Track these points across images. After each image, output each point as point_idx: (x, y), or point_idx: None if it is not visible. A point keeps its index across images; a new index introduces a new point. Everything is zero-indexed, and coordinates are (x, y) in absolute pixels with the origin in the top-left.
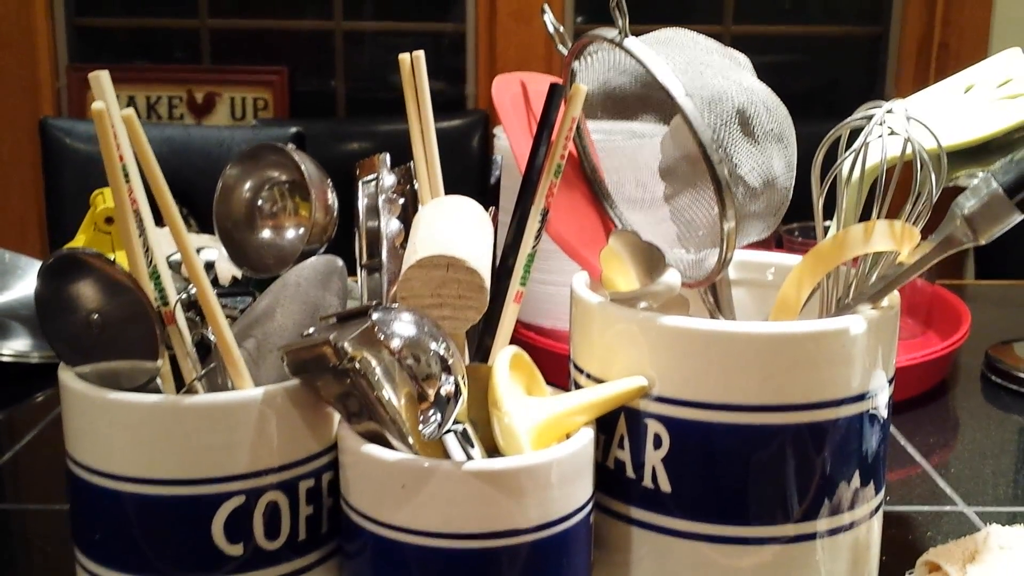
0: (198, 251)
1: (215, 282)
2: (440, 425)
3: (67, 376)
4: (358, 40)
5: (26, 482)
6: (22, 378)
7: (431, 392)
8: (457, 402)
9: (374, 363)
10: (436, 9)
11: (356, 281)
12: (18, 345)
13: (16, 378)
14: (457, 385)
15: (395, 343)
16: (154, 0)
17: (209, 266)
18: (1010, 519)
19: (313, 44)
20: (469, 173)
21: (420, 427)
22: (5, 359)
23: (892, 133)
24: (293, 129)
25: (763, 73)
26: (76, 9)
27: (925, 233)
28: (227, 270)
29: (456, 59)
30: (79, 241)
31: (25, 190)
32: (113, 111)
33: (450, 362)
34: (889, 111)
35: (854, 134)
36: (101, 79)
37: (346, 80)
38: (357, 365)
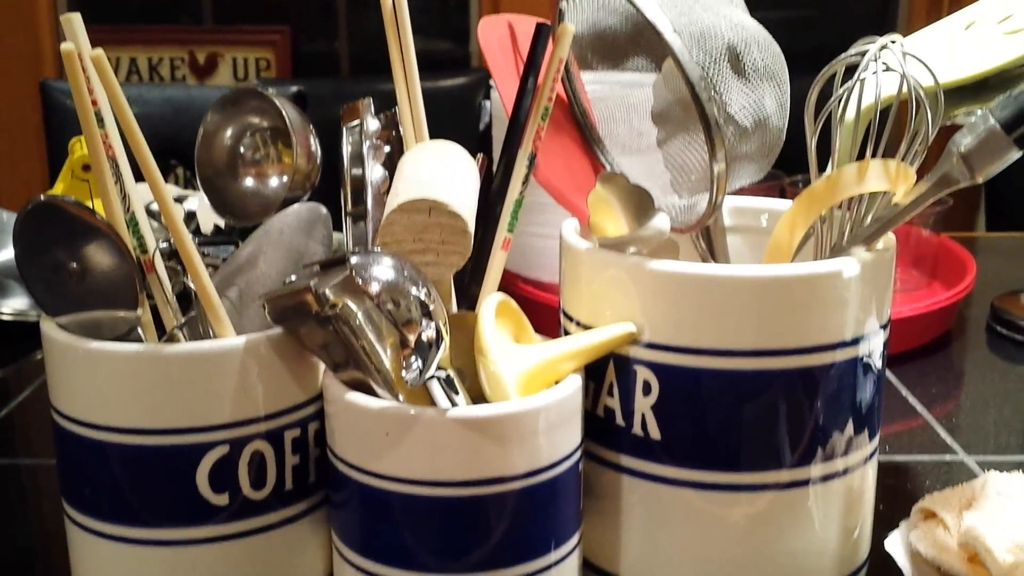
0: (180, 200)
1: (197, 231)
2: (422, 371)
3: (48, 327)
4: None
5: (22, 438)
6: (22, 336)
7: (412, 338)
8: (439, 348)
9: (356, 310)
10: None
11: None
12: (17, 304)
13: (16, 336)
14: (438, 330)
15: (373, 287)
16: None
17: (191, 215)
18: (1012, 468)
19: (316, 3)
20: (475, 131)
21: (402, 373)
22: (5, 317)
23: (888, 69)
24: (294, 88)
25: (773, 29)
26: None
27: (922, 173)
28: (209, 218)
29: (462, 19)
30: (57, 189)
31: (29, 152)
32: (84, 53)
33: (431, 307)
34: (884, 47)
35: (849, 73)
36: (72, 21)
37: (349, 40)
38: (339, 312)
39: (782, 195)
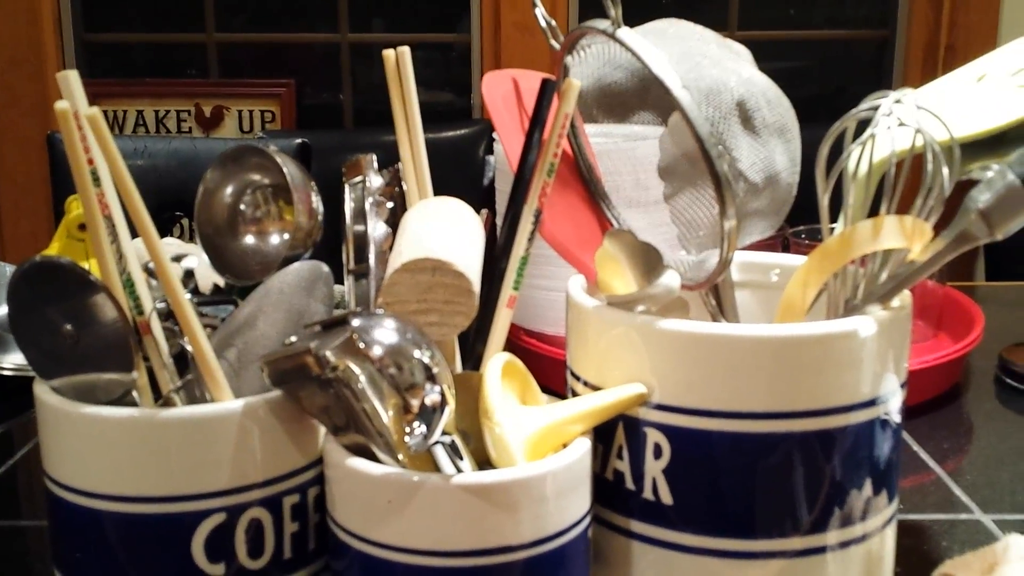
0: (178, 259)
1: (195, 290)
2: (426, 437)
3: (41, 390)
4: (365, 52)
5: (23, 495)
6: (23, 391)
7: (415, 402)
8: (443, 412)
9: (358, 372)
10: (443, 21)
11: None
12: (18, 358)
13: (17, 391)
14: (443, 394)
15: (375, 351)
16: (162, 15)
17: (189, 274)
18: None
19: (320, 57)
20: (476, 183)
21: (405, 439)
22: (6, 372)
23: (901, 124)
24: (299, 140)
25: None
26: (85, 25)
27: (937, 229)
28: (209, 277)
29: (464, 71)
30: (53, 249)
31: (37, 205)
32: (80, 111)
33: (435, 370)
34: (897, 101)
35: (861, 127)
36: (69, 78)
37: (353, 92)
38: (340, 375)
39: (785, 247)
